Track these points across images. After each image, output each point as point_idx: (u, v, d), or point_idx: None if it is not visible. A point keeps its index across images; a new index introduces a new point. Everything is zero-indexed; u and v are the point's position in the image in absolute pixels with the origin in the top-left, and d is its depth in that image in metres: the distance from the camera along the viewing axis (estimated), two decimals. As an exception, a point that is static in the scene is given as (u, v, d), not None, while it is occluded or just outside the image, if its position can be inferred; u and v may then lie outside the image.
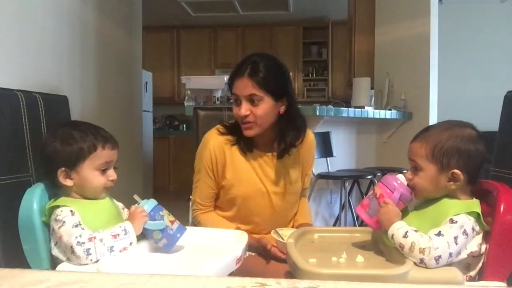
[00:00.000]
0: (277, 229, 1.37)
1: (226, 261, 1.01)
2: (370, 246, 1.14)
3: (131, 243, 1.05)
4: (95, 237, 1.00)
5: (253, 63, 1.33)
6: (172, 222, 1.10)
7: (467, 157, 1.04)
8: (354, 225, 3.11)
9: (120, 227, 1.05)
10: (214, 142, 1.43)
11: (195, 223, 1.51)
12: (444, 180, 1.05)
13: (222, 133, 1.44)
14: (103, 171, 1.11)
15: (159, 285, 0.68)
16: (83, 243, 0.99)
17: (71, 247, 0.99)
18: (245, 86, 1.32)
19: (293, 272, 0.99)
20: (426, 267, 0.96)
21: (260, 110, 1.33)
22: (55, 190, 1.15)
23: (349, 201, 3.23)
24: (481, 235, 1.03)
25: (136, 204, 1.12)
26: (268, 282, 0.65)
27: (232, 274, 1.31)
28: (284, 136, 1.40)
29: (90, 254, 0.98)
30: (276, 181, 1.44)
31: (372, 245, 1.15)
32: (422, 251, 0.95)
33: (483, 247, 1.03)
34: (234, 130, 1.43)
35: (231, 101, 3.56)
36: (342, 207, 3.21)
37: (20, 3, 2.04)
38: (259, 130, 1.37)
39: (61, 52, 2.43)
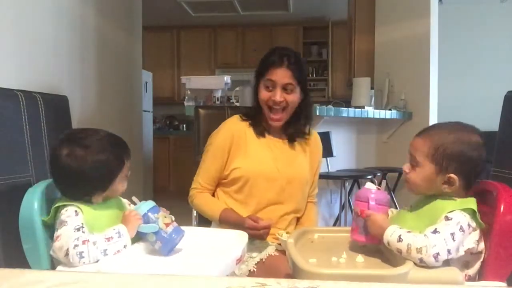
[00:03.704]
0: (281, 231, 1.37)
1: (226, 261, 1.00)
2: (370, 246, 1.14)
3: (125, 246, 1.05)
4: (88, 240, 1.00)
5: (288, 56, 1.47)
6: (167, 225, 1.07)
7: (468, 164, 1.04)
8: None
9: (114, 229, 1.05)
10: (234, 124, 1.55)
11: (190, 203, 1.55)
12: (439, 182, 1.05)
13: (242, 119, 1.56)
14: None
15: (159, 285, 0.68)
16: (77, 245, 0.98)
17: (67, 249, 0.98)
18: (284, 75, 1.45)
19: (293, 272, 0.99)
20: (427, 266, 0.95)
21: (292, 97, 1.48)
22: (57, 191, 1.15)
23: (349, 201, 3.23)
24: (477, 232, 1.03)
25: (132, 206, 1.13)
26: (268, 282, 0.65)
27: (252, 273, 1.32)
28: (295, 123, 1.54)
29: (83, 257, 0.98)
30: (286, 162, 1.52)
31: (372, 245, 1.15)
32: (419, 250, 0.95)
33: (481, 244, 1.03)
34: (252, 116, 1.56)
35: (231, 101, 3.54)
36: (342, 207, 3.21)
37: (20, 3, 2.04)
38: (286, 118, 1.51)
39: (61, 52, 2.43)
